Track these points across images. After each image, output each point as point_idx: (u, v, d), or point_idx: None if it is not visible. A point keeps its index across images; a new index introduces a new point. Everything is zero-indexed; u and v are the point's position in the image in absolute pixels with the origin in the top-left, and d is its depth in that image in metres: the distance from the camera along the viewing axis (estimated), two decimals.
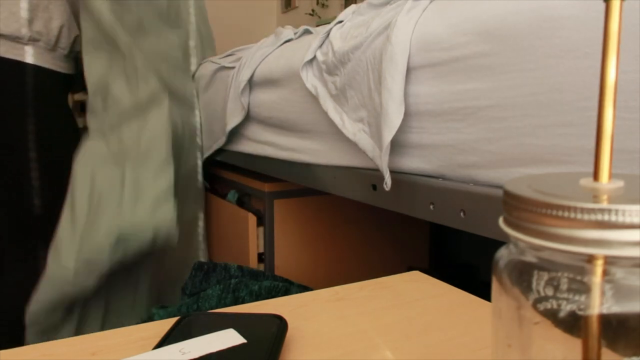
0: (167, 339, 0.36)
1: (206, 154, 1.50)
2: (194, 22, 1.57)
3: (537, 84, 0.51)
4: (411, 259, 1.46)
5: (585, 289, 0.18)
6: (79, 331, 1.28)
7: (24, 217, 1.31)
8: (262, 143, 1.15)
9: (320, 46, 0.88)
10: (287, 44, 1.13)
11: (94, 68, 1.33)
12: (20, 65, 1.25)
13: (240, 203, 1.41)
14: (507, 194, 0.20)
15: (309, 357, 0.35)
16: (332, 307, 0.44)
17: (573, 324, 0.18)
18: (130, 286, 1.39)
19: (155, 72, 1.36)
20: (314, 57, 0.88)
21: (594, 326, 0.18)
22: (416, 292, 0.47)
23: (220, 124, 1.33)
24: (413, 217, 0.71)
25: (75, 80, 1.43)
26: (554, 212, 0.18)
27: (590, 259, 0.18)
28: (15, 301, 1.30)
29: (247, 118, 1.20)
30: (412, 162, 0.70)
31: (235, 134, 1.29)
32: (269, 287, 1.01)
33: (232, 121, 1.22)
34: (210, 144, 1.46)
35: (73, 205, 1.23)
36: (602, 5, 0.19)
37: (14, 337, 1.28)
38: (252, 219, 1.28)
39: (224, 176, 1.55)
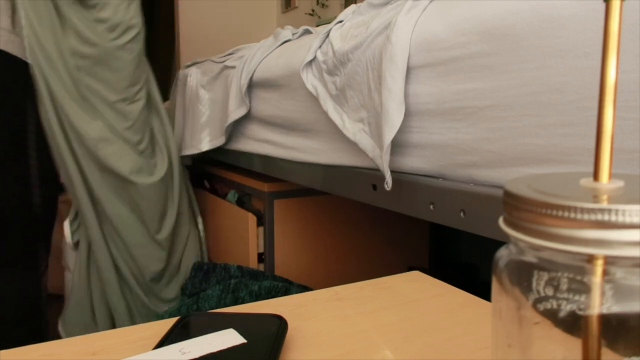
0: (167, 339, 0.36)
1: (205, 148, 1.50)
2: None
3: (537, 84, 0.51)
4: (411, 259, 1.46)
5: (585, 289, 0.18)
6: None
7: (23, 216, 1.31)
8: (262, 141, 1.15)
9: (320, 46, 0.88)
10: (287, 44, 1.13)
11: None
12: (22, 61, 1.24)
13: (240, 203, 1.41)
14: (507, 194, 0.20)
15: (309, 357, 0.35)
16: (332, 307, 0.44)
17: (573, 324, 0.18)
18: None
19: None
20: (314, 58, 0.88)
21: (594, 326, 0.18)
22: (416, 292, 0.47)
23: (223, 123, 1.33)
24: (413, 217, 0.71)
25: None
26: (554, 212, 0.18)
27: (590, 259, 0.18)
28: (13, 300, 1.30)
29: (248, 117, 1.20)
30: (412, 162, 0.70)
31: (235, 132, 1.29)
32: (269, 287, 1.01)
33: (235, 114, 1.21)
34: (211, 143, 1.46)
35: None
36: (602, 5, 0.19)
37: (11, 336, 1.28)
38: (252, 219, 1.28)
39: (224, 176, 1.55)
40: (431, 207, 0.66)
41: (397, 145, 0.70)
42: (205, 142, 1.45)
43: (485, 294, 0.33)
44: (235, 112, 1.20)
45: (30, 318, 1.35)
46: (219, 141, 1.36)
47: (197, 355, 0.33)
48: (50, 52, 1.23)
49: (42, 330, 1.37)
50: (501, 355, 0.21)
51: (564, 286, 0.18)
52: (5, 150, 1.26)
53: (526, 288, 0.19)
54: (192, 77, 1.58)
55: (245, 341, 0.35)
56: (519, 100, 0.53)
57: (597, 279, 0.18)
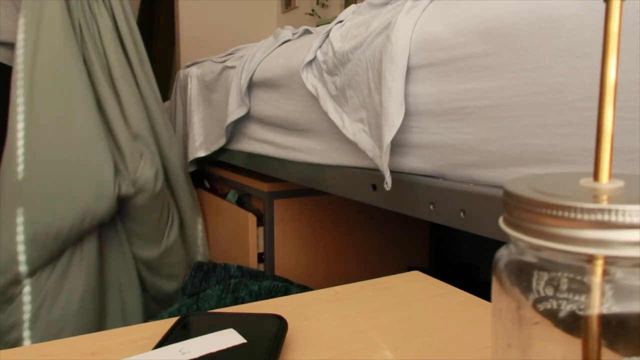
0: (167, 339, 0.36)
1: (203, 154, 1.49)
2: None
3: (537, 84, 0.51)
4: (411, 259, 1.46)
5: (585, 289, 0.18)
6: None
7: None
8: (262, 142, 1.15)
9: (320, 46, 0.88)
10: (287, 43, 1.13)
11: None
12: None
13: (240, 203, 1.41)
14: (507, 194, 0.20)
15: (309, 357, 0.35)
16: (332, 307, 0.44)
17: (573, 324, 0.18)
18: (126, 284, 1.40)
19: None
20: (314, 58, 0.88)
21: (594, 326, 0.18)
22: (416, 292, 0.47)
23: (223, 124, 1.33)
24: (413, 217, 0.71)
25: None
26: (554, 212, 0.18)
27: (590, 259, 0.18)
28: None
29: (248, 117, 1.20)
30: (412, 162, 0.70)
31: (235, 132, 1.29)
32: (269, 287, 1.01)
33: (234, 114, 1.21)
34: (210, 144, 1.45)
35: None
36: (602, 5, 0.19)
37: None
38: (252, 219, 1.28)
39: (224, 176, 1.55)
40: (431, 207, 0.66)
41: (396, 145, 0.70)
42: (213, 145, 1.45)
43: (485, 294, 0.33)
44: (235, 112, 1.20)
45: None
46: (220, 142, 1.36)
47: (197, 355, 0.33)
48: None
49: None
50: (501, 355, 0.21)
51: (564, 286, 0.18)
52: None
53: (526, 288, 0.19)
54: (194, 78, 1.58)
55: (245, 341, 0.35)
56: (519, 100, 0.53)
57: (597, 279, 0.18)
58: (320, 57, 0.86)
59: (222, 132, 1.32)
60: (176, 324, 0.38)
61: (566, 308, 0.18)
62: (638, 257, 0.17)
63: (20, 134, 1.22)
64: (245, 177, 1.39)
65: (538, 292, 0.19)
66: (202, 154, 1.49)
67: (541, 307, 0.19)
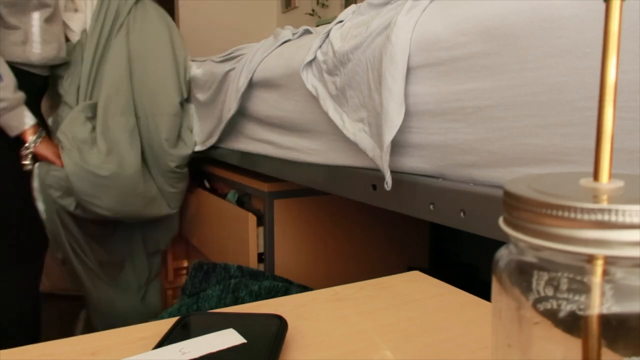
0: (167, 339, 0.36)
1: (200, 148, 1.52)
2: None
3: (537, 84, 0.51)
4: (411, 259, 1.46)
5: (585, 289, 0.18)
6: None
7: (24, 216, 1.31)
8: (262, 142, 1.15)
9: (320, 46, 0.88)
10: (287, 44, 1.13)
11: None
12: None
13: (240, 203, 1.41)
14: (507, 194, 0.20)
15: (309, 357, 0.35)
16: (332, 307, 0.44)
17: (573, 324, 0.18)
18: None
19: None
20: (314, 58, 0.88)
21: (594, 326, 0.18)
22: (416, 292, 0.47)
23: (219, 123, 1.34)
24: (413, 217, 0.71)
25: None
26: (554, 212, 0.18)
27: (590, 259, 0.18)
28: (9, 299, 1.30)
29: (248, 116, 1.20)
30: (412, 162, 0.70)
31: (235, 132, 1.29)
32: (269, 287, 1.01)
33: (227, 115, 1.24)
34: (205, 140, 1.48)
35: None
36: (602, 5, 0.19)
37: (5, 336, 1.28)
38: (252, 219, 1.28)
39: (224, 176, 1.55)
40: (431, 207, 0.66)
41: (397, 145, 0.70)
42: (208, 141, 1.47)
43: (485, 294, 0.33)
44: (229, 114, 1.22)
45: (26, 317, 1.35)
46: (211, 140, 1.41)
47: (197, 355, 0.33)
48: None
49: (38, 329, 1.37)
50: (501, 355, 0.21)
51: (564, 286, 0.18)
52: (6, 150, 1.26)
53: (526, 288, 0.19)
54: (195, 77, 1.58)
55: (245, 341, 0.35)
56: (519, 100, 0.53)
57: (597, 279, 0.18)
58: (320, 57, 0.86)
59: (217, 130, 1.34)
60: (176, 324, 0.38)
61: (566, 308, 0.18)
62: (638, 257, 0.17)
63: None
64: (245, 177, 1.39)
65: (538, 292, 0.19)
66: (199, 148, 1.53)
67: (541, 307, 0.19)
